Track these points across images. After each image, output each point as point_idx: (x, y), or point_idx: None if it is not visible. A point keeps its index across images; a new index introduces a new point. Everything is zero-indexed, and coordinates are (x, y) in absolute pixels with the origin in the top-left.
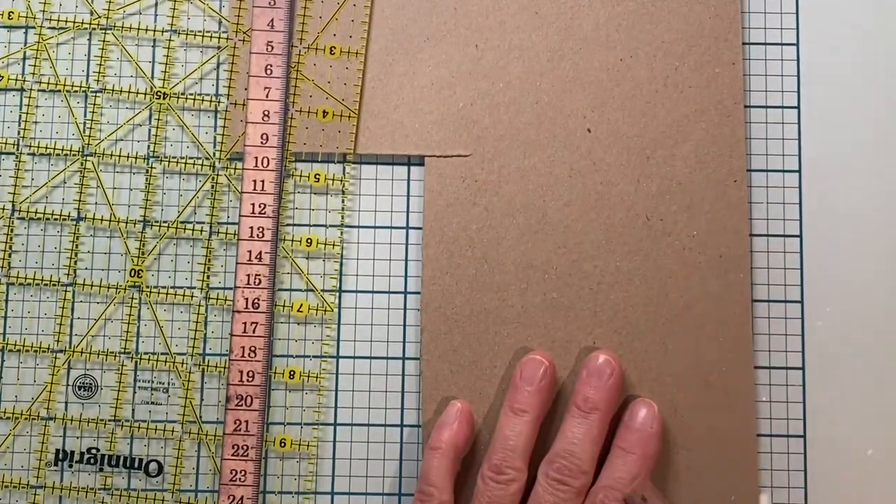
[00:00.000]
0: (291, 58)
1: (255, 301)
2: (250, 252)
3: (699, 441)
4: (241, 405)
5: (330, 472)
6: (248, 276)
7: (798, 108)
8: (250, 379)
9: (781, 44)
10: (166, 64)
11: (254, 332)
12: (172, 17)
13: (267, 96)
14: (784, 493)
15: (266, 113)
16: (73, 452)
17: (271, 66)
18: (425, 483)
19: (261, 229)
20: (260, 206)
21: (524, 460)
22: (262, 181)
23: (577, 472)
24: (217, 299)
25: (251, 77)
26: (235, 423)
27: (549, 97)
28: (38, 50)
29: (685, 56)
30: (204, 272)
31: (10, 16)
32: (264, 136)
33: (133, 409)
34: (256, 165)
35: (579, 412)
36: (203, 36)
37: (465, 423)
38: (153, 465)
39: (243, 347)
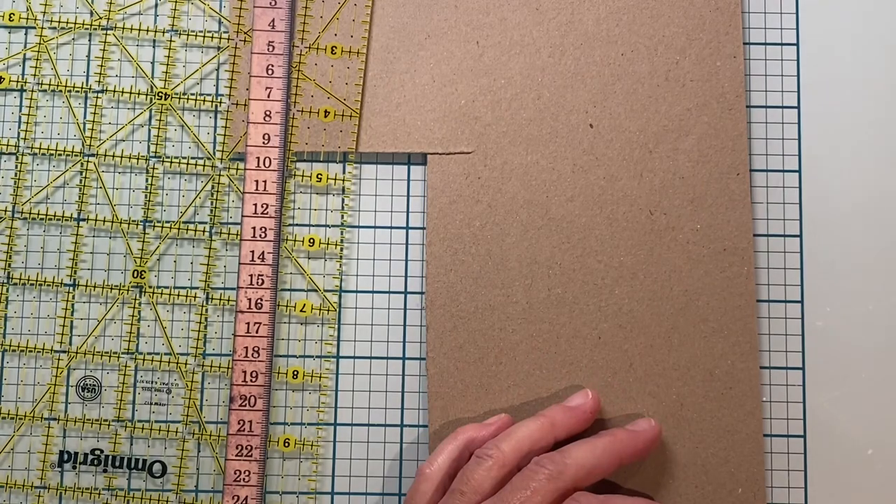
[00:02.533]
0: (293, 58)
1: (259, 301)
2: (253, 252)
3: (705, 434)
4: (245, 405)
5: (330, 472)
6: (251, 276)
7: (798, 108)
8: (254, 379)
9: (781, 44)
10: (167, 64)
11: (257, 332)
12: (173, 17)
13: (268, 96)
14: (784, 493)
15: (268, 113)
16: (76, 454)
17: (272, 66)
18: (427, 461)
19: (263, 229)
20: (262, 206)
21: (512, 447)
22: (265, 181)
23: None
24: (219, 300)
25: (252, 77)
26: (239, 423)
27: (550, 93)
28: (38, 51)
29: (686, 50)
30: (206, 272)
31: (10, 17)
32: (266, 136)
33: (135, 410)
34: (258, 165)
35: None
36: (204, 36)
37: (494, 427)
38: (157, 466)
39: (246, 348)
